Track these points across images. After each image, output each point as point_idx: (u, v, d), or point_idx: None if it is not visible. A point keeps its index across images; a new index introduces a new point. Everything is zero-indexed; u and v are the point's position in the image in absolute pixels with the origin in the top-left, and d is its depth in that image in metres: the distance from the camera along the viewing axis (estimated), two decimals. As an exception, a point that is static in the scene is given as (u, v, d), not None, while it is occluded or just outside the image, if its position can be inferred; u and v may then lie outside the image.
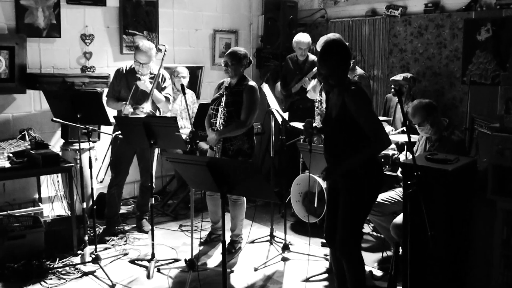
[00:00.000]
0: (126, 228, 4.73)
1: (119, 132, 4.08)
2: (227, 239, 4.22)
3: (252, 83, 4.07)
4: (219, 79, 4.37)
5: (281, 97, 5.50)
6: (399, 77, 4.61)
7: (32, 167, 3.97)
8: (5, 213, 4.18)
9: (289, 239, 4.34)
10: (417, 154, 3.69)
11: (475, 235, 3.19)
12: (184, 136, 4.07)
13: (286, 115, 4.34)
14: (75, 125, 3.81)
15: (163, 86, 4.55)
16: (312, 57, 5.33)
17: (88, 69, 5.13)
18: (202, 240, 4.42)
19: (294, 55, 5.46)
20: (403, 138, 4.06)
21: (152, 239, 3.88)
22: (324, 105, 4.70)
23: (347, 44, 3.58)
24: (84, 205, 4.09)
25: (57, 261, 3.91)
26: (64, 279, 3.69)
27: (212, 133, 4.04)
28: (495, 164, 2.98)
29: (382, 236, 3.98)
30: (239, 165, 2.69)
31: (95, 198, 4.16)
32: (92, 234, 4.04)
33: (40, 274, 3.70)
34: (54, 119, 3.84)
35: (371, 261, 3.98)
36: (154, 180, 4.05)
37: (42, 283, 3.62)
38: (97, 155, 4.74)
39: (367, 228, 4.67)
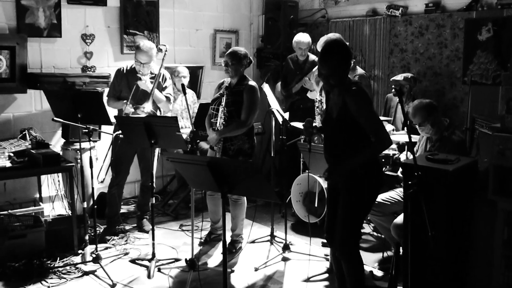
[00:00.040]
0: (127, 227, 4.73)
1: (120, 131, 4.08)
2: (228, 239, 4.22)
3: (252, 82, 4.07)
4: (220, 79, 4.37)
5: (281, 97, 5.51)
6: (399, 77, 4.61)
7: (33, 166, 3.97)
8: (6, 212, 4.18)
9: (289, 239, 4.34)
10: (417, 154, 3.68)
11: (476, 236, 3.18)
12: (184, 136, 4.07)
13: (286, 115, 4.34)
14: (75, 125, 3.81)
15: (163, 86, 4.55)
16: (312, 57, 5.34)
17: (89, 69, 5.13)
18: (202, 240, 4.42)
19: (294, 55, 5.46)
20: (404, 138, 4.06)
21: (153, 239, 3.88)
22: (324, 105, 4.69)
23: (347, 44, 3.58)
24: (85, 204, 4.10)
25: (57, 261, 3.91)
26: (64, 278, 3.69)
27: (213, 133, 4.04)
28: (496, 164, 2.98)
29: (383, 236, 3.98)
30: (239, 165, 2.69)
31: (95, 197, 4.16)
32: (92, 234, 4.04)
33: (40, 273, 3.71)
34: (55, 118, 3.84)
35: (371, 261, 3.98)
36: (154, 180, 4.05)
37: (43, 282, 3.62)
38: (97, 155, 4.74)
39: (367, 228, 4.67)
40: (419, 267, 2.99)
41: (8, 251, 3.82)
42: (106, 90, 4.70)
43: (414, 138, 3.85)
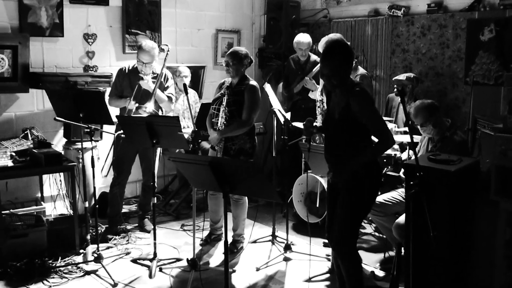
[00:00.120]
0: (128, 227, 4.73)
1: (122, 131, 4.08)
2: (229, 239, 4.22)
3: (253, 82, 4.08)
4: (221, 79, 4.37)
5: (282, 98, 5.50)
6: (402, 77, 4.60)
7: (34, 166, 3.97)
8: (7, 211, 4.19)
9: (291, 239, 4.34)
10: (419, 154, 3.68)
11: (478, 236, 3.18)
12: (186, 136, 4.08)
13: (288, 115, 4.34)
14: (77, 124, 3.82)
15: (165, 86, 4.55)
16: (313, 57, 5.33)
17: (91, 69, 5.14)
18: (202, 241, 4.42)
19: (296, 56, 5.46)
20: (406, 138, 4.06)
21: (154, 239, 3.88)
22: (325, 105, 4.69)
23: (349, 44, 3.57)
24: (86, 204, 4.11)
25: (59, 260, 3.91)
26: (66, 278, 3.70)
27: (214, 133, 4.04)
28: (498, 164, 2.98)
29: (384, 236, 3.97)
30: (241, 165, 2.69)
31: (97, 197, 4.16)
32: (94, 233, 4.04)
33: (42, 272, 3.71)
34: (57, 118, 3.85)
35: (373, 262, 3.97)
36: (156, 180, 4.05)
37: (45, 281, 3.62)
38: (99, 155, 4.75)
39: (369, 229, 4.67)
40: (421, 267, 2.98)
41: (10, 250, 3.83)
42: (108, 89, 4.71)
43: (416, 138, 3.85)
